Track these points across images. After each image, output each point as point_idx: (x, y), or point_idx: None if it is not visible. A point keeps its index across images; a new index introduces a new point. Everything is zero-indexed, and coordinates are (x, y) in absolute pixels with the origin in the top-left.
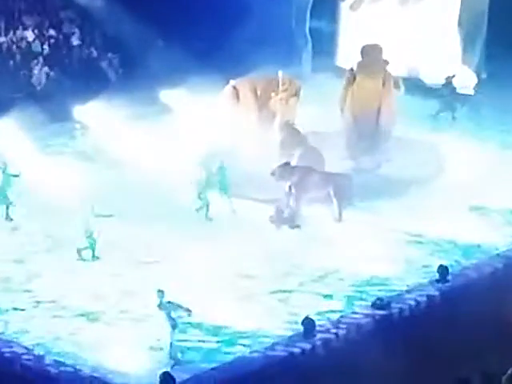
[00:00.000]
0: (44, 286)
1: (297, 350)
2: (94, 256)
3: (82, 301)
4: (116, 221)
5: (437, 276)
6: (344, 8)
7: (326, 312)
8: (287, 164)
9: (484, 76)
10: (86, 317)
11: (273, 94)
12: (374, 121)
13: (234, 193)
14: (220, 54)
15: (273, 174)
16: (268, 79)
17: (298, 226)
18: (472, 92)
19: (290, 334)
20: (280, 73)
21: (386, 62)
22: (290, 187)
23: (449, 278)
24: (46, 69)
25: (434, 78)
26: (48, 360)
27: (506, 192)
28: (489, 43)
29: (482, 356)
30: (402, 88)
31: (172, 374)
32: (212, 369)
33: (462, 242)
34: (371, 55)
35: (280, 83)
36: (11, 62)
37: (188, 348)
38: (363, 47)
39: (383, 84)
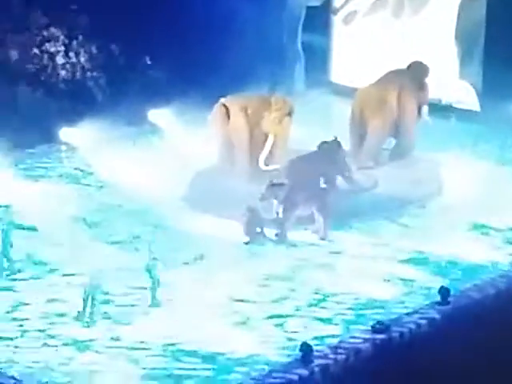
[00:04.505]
0: (31, 315)
1: (294, 377)
2: None
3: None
4: (104, 244)
5: (438, 298)
6: (337, 22)
7: (324, 337)
8: (272, 183)
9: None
10: (75, 346)
11: (266, 114)
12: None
13: (226, 215)
14: (210, 71)
15: (261, 198)
16: (260, 98)
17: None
18: (477, 108)
19: (287, 360)
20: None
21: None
22: (277, 205)
23: (450, 299)
24: (29, 89)
25: (431, 92)
26: None
27: (507, 209)
28: (487, 56)
29: (485, 381)
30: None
31: None
32: None
33: (464, 263)
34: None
35: (273, 102)
36: None
37: (182, 376)
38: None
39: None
